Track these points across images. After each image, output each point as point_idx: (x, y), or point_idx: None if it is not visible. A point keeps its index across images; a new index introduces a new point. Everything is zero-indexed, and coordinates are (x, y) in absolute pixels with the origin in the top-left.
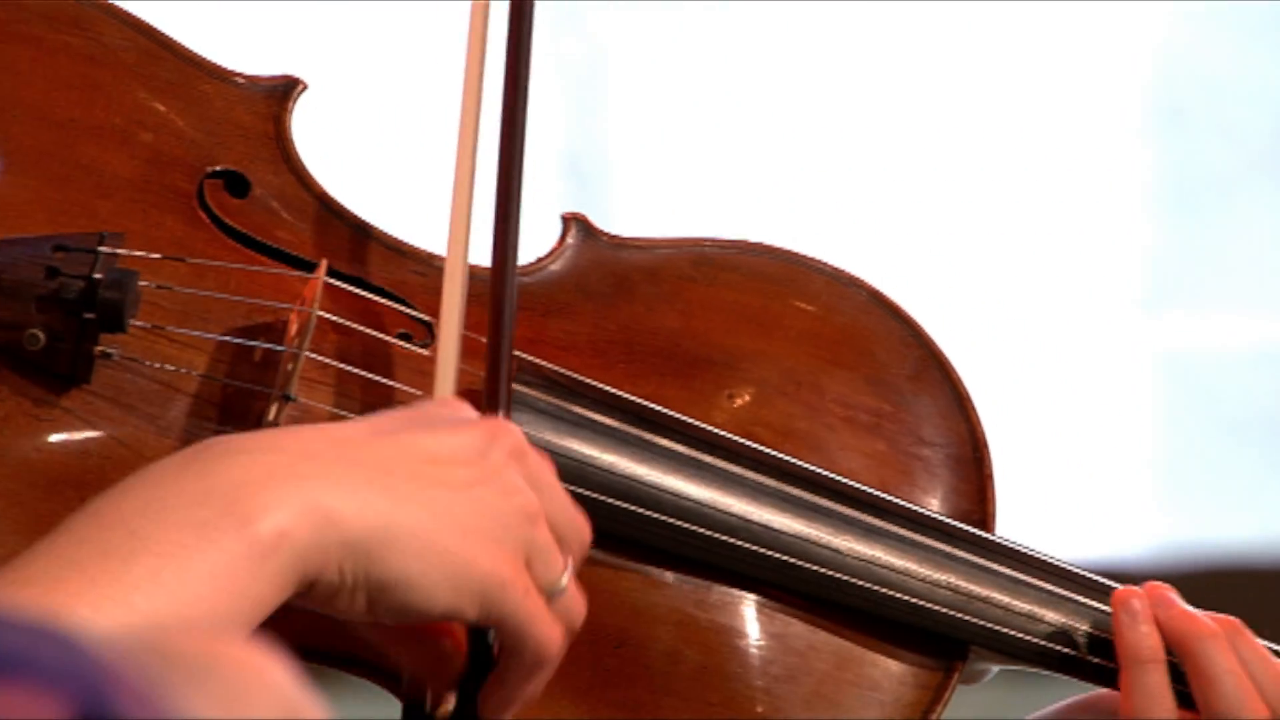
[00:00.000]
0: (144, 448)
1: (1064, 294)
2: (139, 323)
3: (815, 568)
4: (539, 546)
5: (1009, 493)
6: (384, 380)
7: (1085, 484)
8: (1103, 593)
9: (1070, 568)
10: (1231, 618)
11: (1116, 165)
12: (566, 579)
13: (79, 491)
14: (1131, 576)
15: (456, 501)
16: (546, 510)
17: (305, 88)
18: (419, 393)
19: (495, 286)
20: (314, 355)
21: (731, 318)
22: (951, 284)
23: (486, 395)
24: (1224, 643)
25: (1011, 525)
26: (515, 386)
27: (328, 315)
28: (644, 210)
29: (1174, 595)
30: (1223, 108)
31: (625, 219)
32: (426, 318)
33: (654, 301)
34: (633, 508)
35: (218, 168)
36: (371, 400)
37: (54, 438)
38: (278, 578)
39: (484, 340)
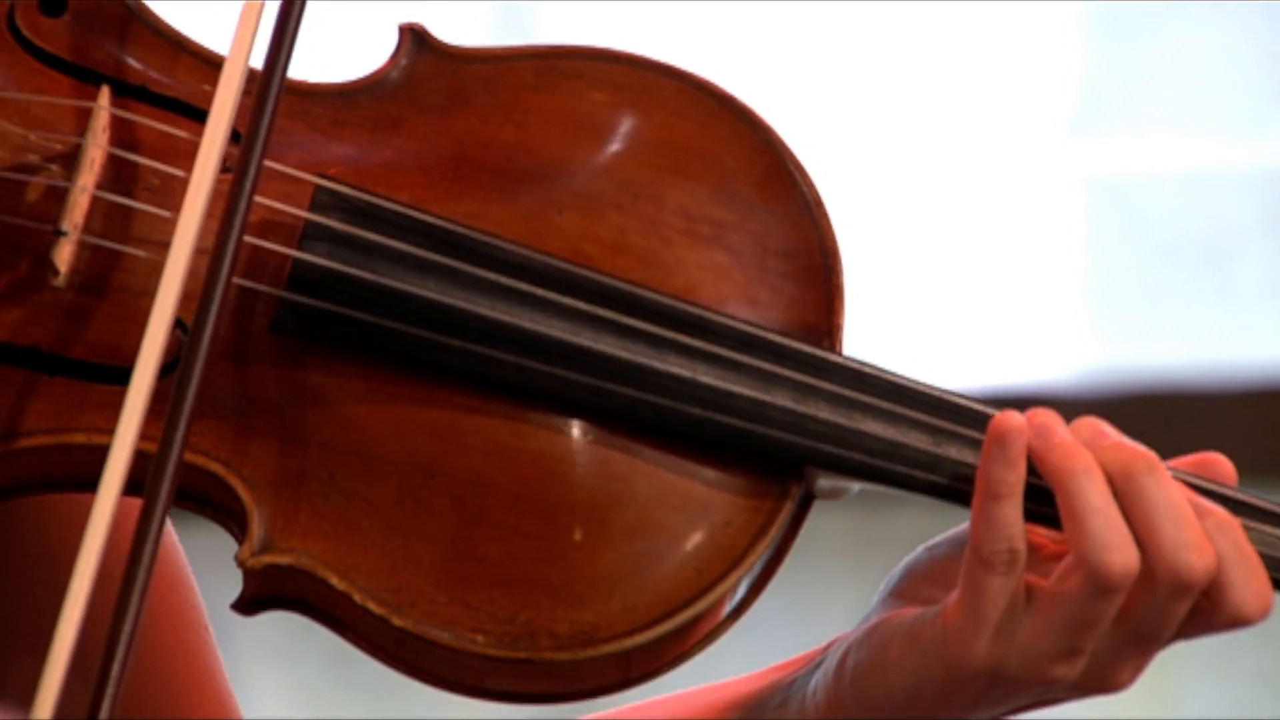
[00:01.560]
0: None
1: (993, 116)
2: None
3: (633, 391)
4: None
5: (939, 318)
6: (164, 213)
7: (1015, 310)
8: (958, 415)
9: (922, 388)
10: (1145, 451)
11: None
12: None
13: None
14: (1062, 402)
15: None
16: None
17: None
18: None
19: (260, 92)
20: (99, 192)
21: (570, 128)
22: (879, 105)
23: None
24: (1097, 479)
25: (941, 352)
26: (310, 215)
27: (111, 149)
28: None
29: (1056, 424)
30: None
31: None
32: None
33: (490, 113)
34: (435, 336)
35: None
36: (160, 234)
37: None
38: None
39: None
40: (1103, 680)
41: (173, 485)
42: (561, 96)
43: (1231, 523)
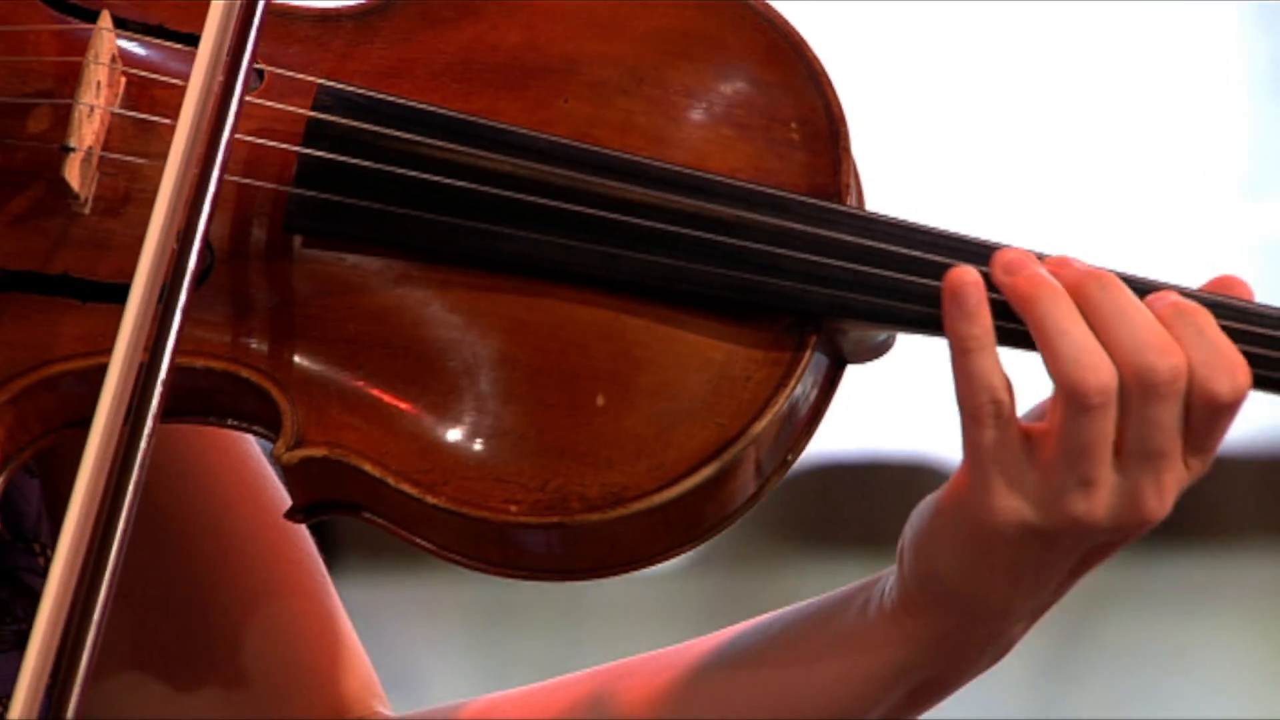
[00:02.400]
0: None
1: (1166, 180)
2: None
3: (642, 255)
4: None
5: None
6: (168, 120)
7: None
8: (963, 252)
9: (931, 229)
10: (1102, 270)
11: (1218, 53)
12: None
13: None
14: (1234, 462)
15: None
16: None
17: None
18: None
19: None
20: (104, 106)
21: (575, 24)
22: (1055, 169)
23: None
24: (1062, 301)
25: None
26: (312, 113)
27: (113, 67)
28: None
29: (1023, 258)
30: None
31: None
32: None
33: (497, 20)
34: (443, 218)
35: None
36: (160, 148)
37: None
38: None
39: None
40: (1133, 512)
41: (165, 393)
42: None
43: (1193, 309)
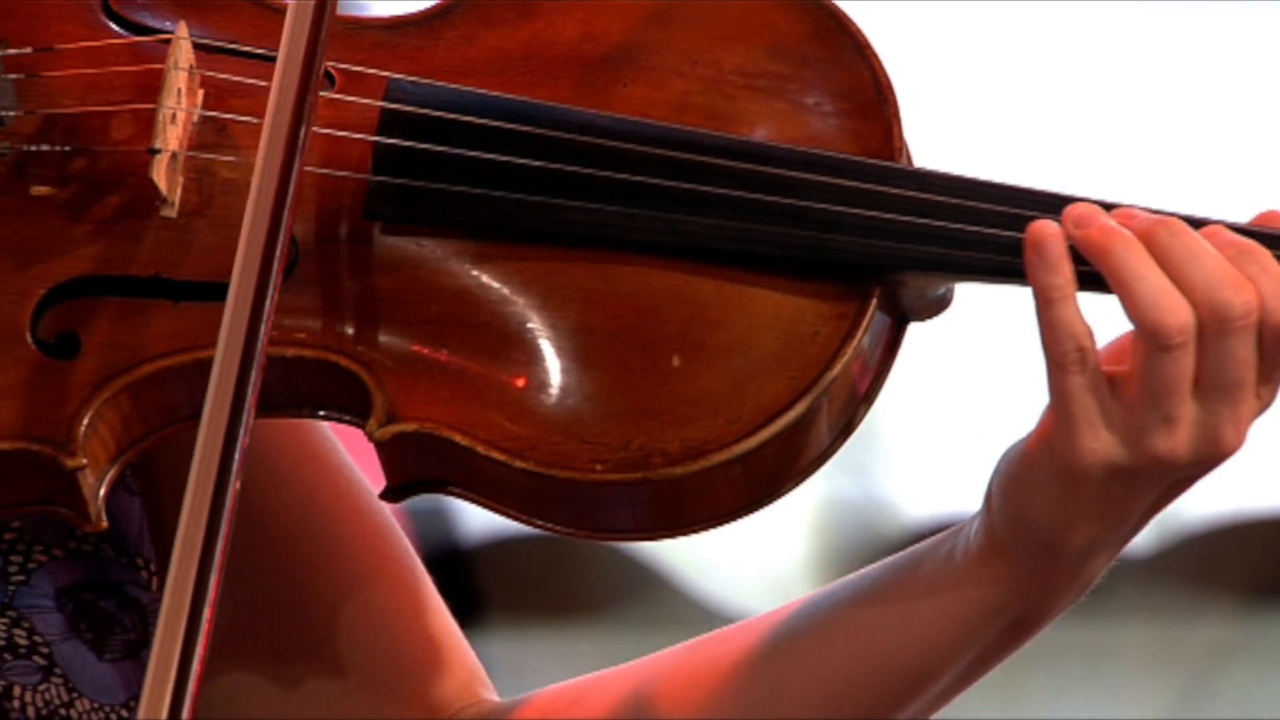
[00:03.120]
0: (53, 235)
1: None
2: (15, 112)
3: (708, 220)
4: None
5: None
6: (251, 119)
7: None
8: (1016, 201)
9: (984, 180)
10: (1167, 216)
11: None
12: None
13: (17, 261)
14: None
15: None
16: None
17: None
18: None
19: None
20: (188, 108)
21: (629, 16)
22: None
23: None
24: (1134, 247)
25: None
26: (385, 104)
27: (195, 71)
28: None
29: (1093, 212)
30: None
31: None
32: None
33: (554, 17)
34: (516, 195)
35: None
36: (248, 141)
37: None
38: None
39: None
40: (1213, 445)
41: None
42: None
43: (1253, 247)
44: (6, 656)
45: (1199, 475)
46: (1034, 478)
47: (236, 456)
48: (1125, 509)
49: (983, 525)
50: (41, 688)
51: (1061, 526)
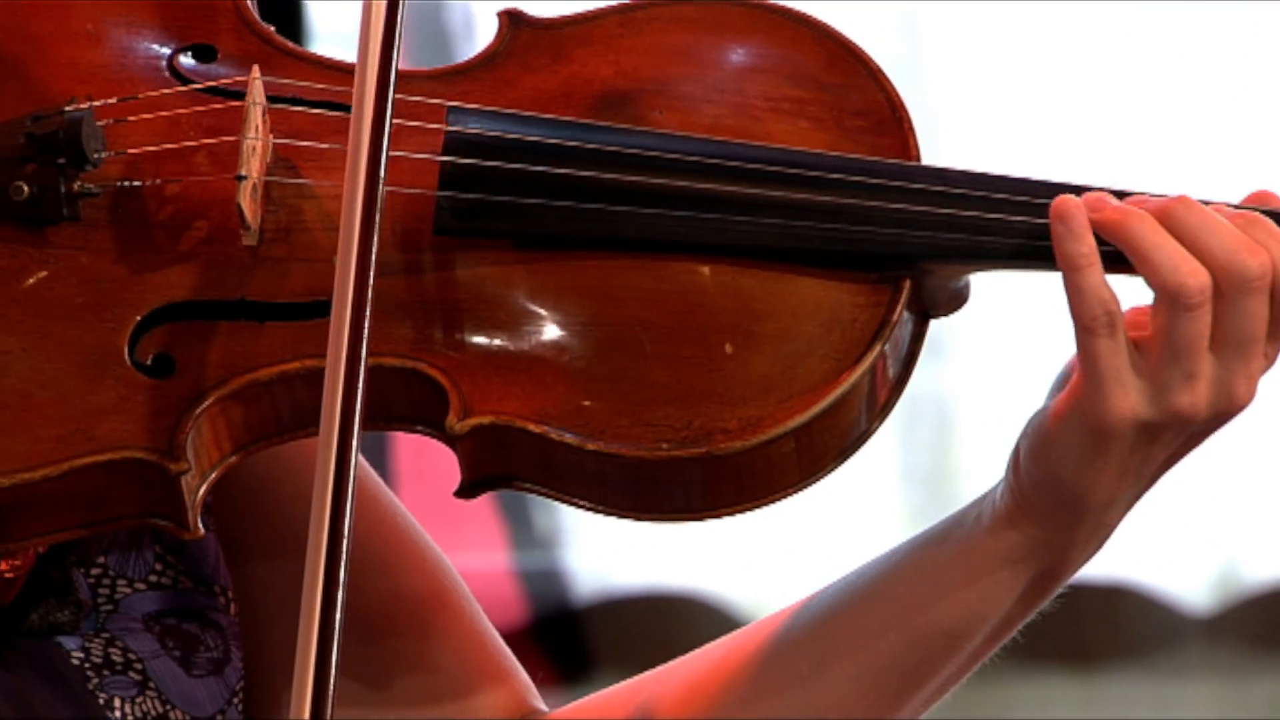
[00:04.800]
0: (144, 265)
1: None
2: (106, 153)
3: (752, 219)
4: None
5: None
6: (325, 144)
7: None
8: (1028, 189)
9: (996, 175)
10: (1179, 195)
11: None
12: None
13: (98, 315)
14: None
15: None
16: None
17: None
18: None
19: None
20: (271, 138)
21: (658, 55)
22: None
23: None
24: (1149, 221)
25: None
26: (449, 126)
27: (271, 105)
28: None
29: (1106, 197)
30: None
31: None
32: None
33: (588, 59)
34: (573, 204)
35: (188, 43)
36: (317, 172)
37: (61, 275)
38: None
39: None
40: (1228, 400)
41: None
42: (646, 35)
43: (1258, 218)
44: (105, 673)
45: (1212, 430)
46: (1064, 438)
47: (352, 468)
48: (1145, 464)
49: (1009, 488)
50: (139, 700)
51: (1088, 483)
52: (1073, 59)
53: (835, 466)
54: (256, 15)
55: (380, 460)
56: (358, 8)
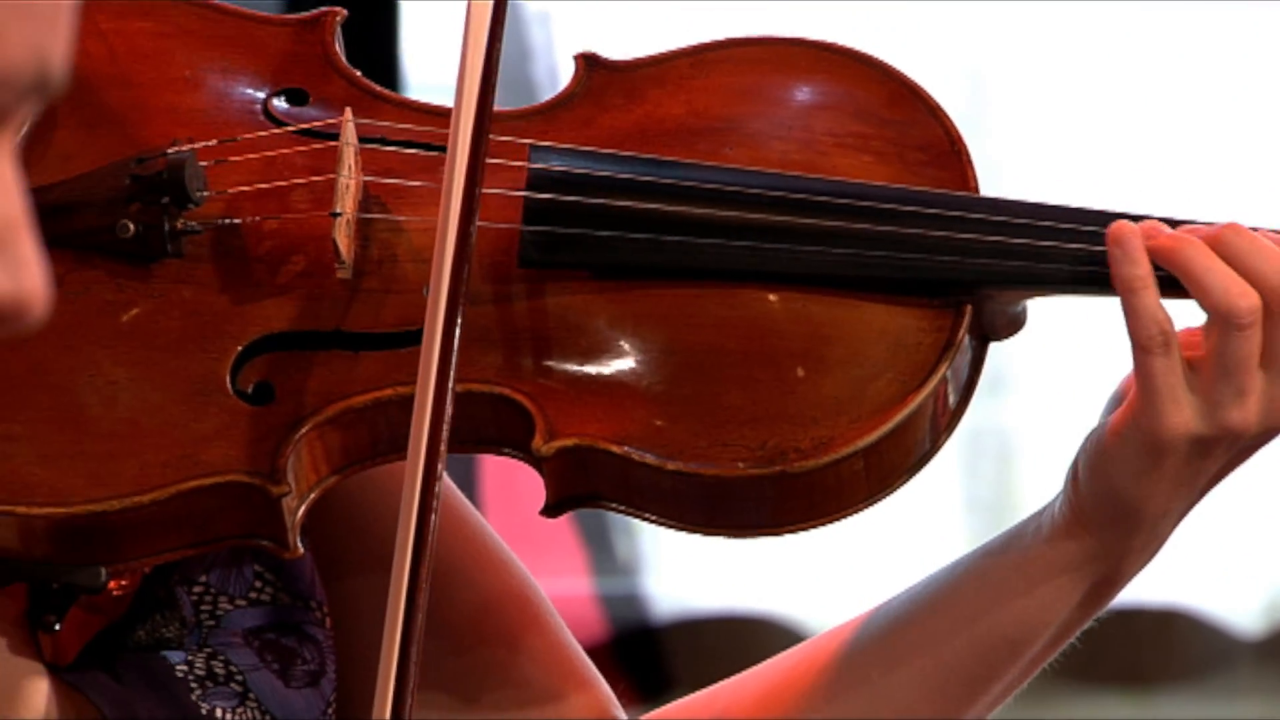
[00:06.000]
0: (244, 298)
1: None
2: (207, 192)
3: (820, 249)
4: None
5: None
6: (416, 183)
7: None
8: (1081, 218)
9: (1049, 204)
10: (1226, 223)
11: None
12: None
13: (201, 346)
14: None
15: None
16: None
17: (343, 15)
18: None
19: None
20: (366, 177)
21: (728, 95)
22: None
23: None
24: (1200, 246)
25: None
26: (532, 164)
27: (364, 146)
28: None
29: (1160, 225)
30: None
31: None
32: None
33: (661, 100)
34: (652, 236)
35: (281, 87)
36: (406, 208)
37: (165, 308)
38: None
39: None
40: (1277, 415)
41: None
42: (716, 76)
43: None
44: (208, 684)
45: (1261, 444)
46: (1121, 453)
47: (437, 487)
48: (1197, 477)
49: (1067, 501)
50: (239, 710)
51: (1143, 495)
52: (1132, 107)
53: (903, 483)
54: (345, 60)
55: (469, 485)
56: (450, 60)
